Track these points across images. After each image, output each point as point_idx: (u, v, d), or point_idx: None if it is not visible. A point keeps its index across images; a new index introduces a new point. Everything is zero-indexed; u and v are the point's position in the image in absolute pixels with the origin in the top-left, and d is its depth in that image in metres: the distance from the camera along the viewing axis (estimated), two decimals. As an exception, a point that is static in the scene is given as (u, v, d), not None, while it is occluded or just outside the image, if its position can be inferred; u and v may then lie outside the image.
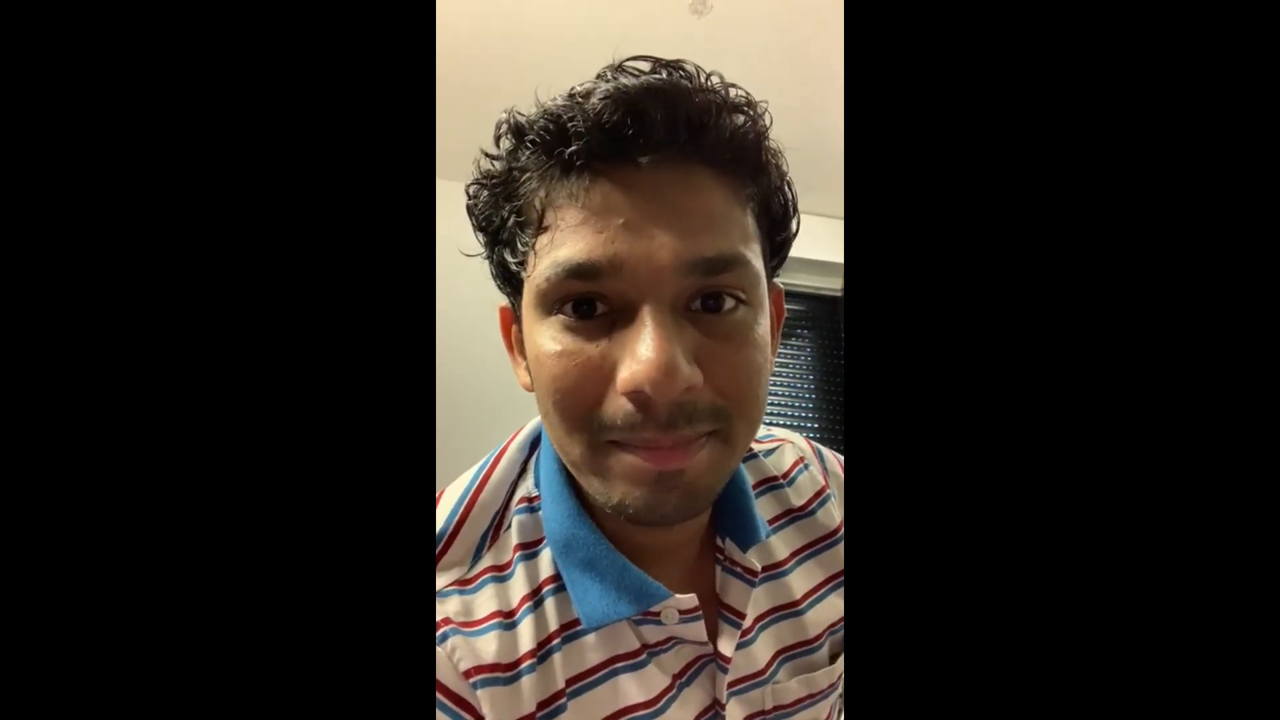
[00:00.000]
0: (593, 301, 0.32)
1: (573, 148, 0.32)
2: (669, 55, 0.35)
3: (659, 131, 0.31)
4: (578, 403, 0.32)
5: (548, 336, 0.33)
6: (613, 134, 0.31)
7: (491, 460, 0.43)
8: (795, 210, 0.39)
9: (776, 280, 0.41)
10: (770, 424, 1.87)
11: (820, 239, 1.83)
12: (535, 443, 0.44)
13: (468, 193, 0.37)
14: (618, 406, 0.32)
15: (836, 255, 1.86)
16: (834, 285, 1.99)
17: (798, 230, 0.40)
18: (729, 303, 0.33)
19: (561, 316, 0.33)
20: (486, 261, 0.38)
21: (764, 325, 0.35)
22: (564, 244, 0.32)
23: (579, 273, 0.31)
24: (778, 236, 0.38)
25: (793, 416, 1.95)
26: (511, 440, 0.44)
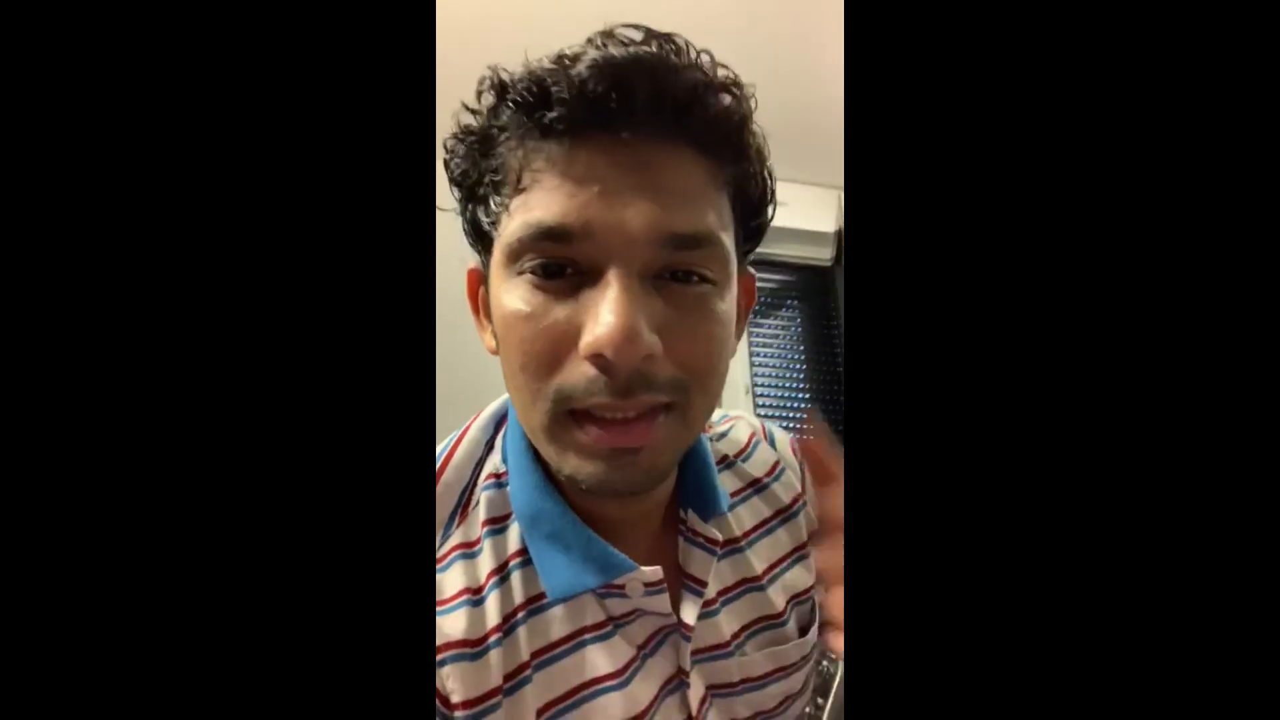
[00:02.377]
0: (563, 265, 0.32)
1: (554, 113, 0.31)
2: (666, 24, 0.34)
3: (643, 106, 0.31)
4: (542, 365, 0.33)
5: (515, 296, 0.33)
6: (596, 104, 0.31)
7: (454, 441, 0.43)
8: (772, 197, 0.39)
9: (749, 268, 0.41)
10: (762, 394, 1.86)
11: (811, 209, 1.82)
12: (502, 420, 0.44)
13: (445, 146, 0.36)
14: (580, 372, 0.32)
15: (827, 225, 1.86)
16: (824, 256, 1.98)
17: (773, 216, 0.40)
18: (696, 278, 0.33)
19: (530, 276, 0.33)
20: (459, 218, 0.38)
21: (729, 305, 0.35)
22: (538, 205, 0.32)
23: (551, 234, 0.31)
24: (752, 222, 0.38)
25: (783, 387, 1.96)
26: (474, 420, 0.44)
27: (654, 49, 0.32)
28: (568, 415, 0.33)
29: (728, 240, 0.35)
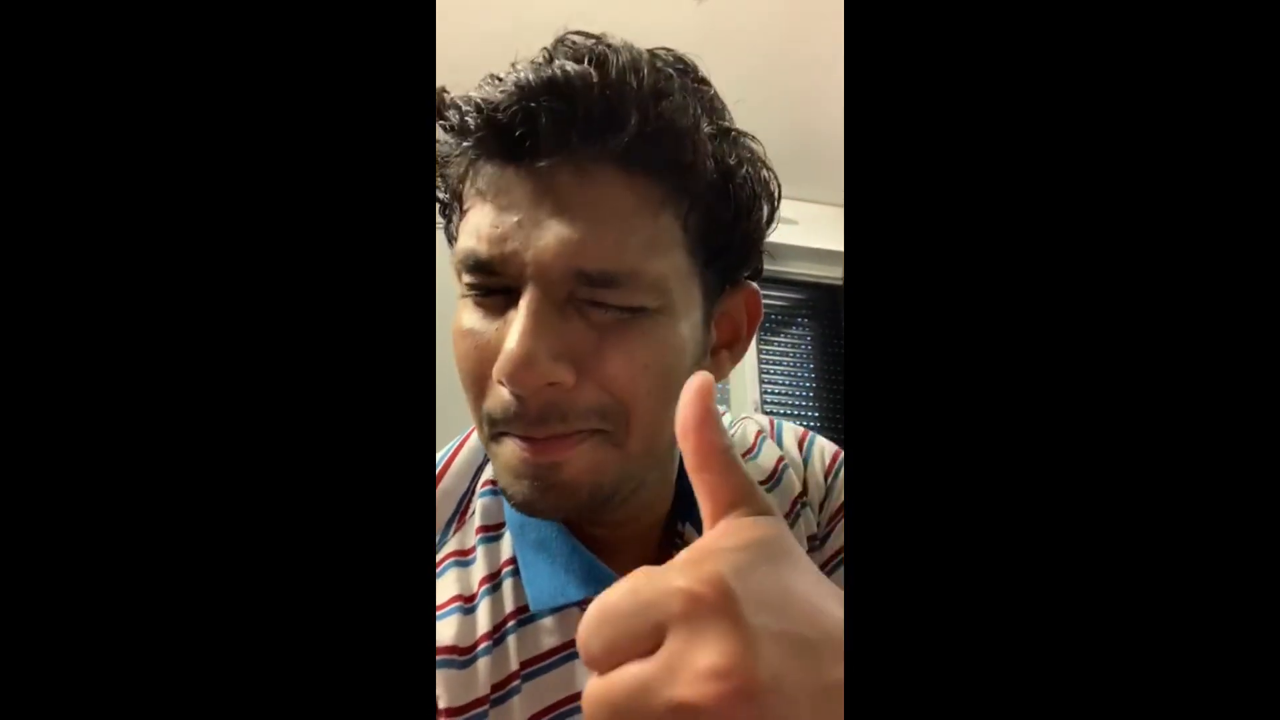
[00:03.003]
0: (493, 286, 0.32)
1: (468, 139, 0.32)
2: (670, 44, 0.34)
3: (548, 134, 0.30)
4: (473, 384, 0.33)
5: (461, 315, 0.34)
6: (503, 133, 0.31)
7: (454, 447, 0.43)
8: (756, 207, 0.36)
9: (749, 282, 0.39)
10: (771, 412, 1.87)
11: (820, 227, 1.82)
12: None
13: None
14: (498, 397, 0.32)
15: (836, 244, 1.86)
16: (834, 274, 1.98)
17: (768, 221, 0.37)
18: (622, 310, 0.31)
19: (471, 295, 0.33)
20: None
21: (679, 328, 0.33)
22: (469, 232, 0.32)
23: (472, 266, 0.32)
24: (721, 238, 0.35)
25: (793, 406, 1.95)
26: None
27: (576, 66, 0.30)
28: (501, 431, 0.33)
29: (668, 263, 0.32)
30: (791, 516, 0.46)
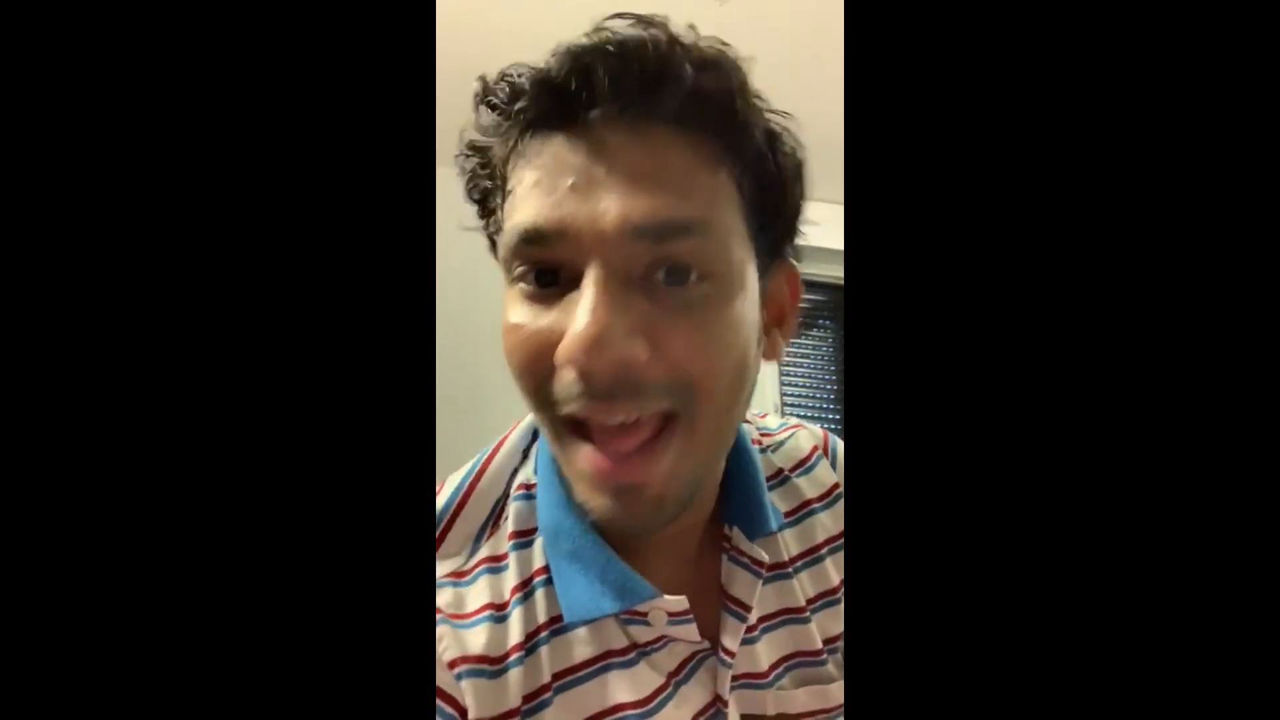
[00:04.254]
0: (556, 270, 0.31)
1: (520, 104, 0.31)
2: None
3: (604, 87, 0.30)
4: (530, 378, 0.32)
5: (509, 309, 0.32)
6: (558, 91, 0.30)
7: (491, 449, 0.42)
8: (798, 179, 0.36)
9: (790, 260, 0.38)
10: (792, 414, 1.86)
11: (841, 228, 1.80)
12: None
13: (459, 167, 0.36)
14: (563, 380, 0.30)
15: (859, 245, 1.83)
16: (856, 276, 1.95)
17: (802, 200, 0.37)
18: (690, 276, 0.30)
19: (522, 286, 0.32)
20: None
21: (741, 304, 0.32)
22: (518, 208, 0.31)
23: (528, 238, 0.30)
24: (771, 205, 0.35)
25: (813, 409, 1.94)
26: (515, 427, 0.43)
27: (630, 29, 0.30)
28: (570, 429, 0.32)
29: (729, 222, 0.32)
30: (841, 544, 0.45)
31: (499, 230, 0.34)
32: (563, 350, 0.29)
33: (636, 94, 0.30)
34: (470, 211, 0.37)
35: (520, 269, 0.32)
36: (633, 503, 0.31)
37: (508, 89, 0.32)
